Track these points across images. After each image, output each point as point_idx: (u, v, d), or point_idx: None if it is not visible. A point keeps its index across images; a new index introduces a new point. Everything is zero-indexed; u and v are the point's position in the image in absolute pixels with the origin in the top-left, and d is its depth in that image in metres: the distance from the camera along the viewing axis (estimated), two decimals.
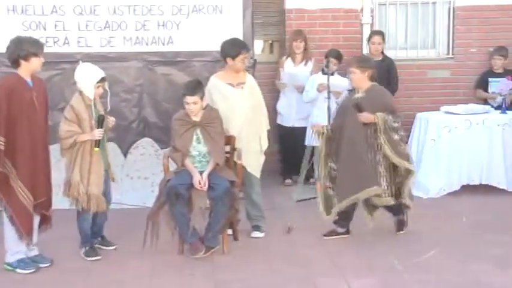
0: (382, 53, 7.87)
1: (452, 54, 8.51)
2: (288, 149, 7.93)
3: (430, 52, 8.60)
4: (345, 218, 5.98)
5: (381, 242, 5.90)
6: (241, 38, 6.95)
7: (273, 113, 8.14)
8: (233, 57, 5.90)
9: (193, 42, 7.00)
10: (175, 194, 5.43)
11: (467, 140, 7.37)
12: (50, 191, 5.34)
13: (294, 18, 8.25)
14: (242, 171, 5.82)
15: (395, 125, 5.67)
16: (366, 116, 5.66)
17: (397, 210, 6.01)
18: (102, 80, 5.50)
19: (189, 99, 5.59)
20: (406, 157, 5.77)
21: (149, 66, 7.02)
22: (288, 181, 7.98)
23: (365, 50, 8.20)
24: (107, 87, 5.60)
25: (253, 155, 6.00)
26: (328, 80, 7.05)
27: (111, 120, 5.64)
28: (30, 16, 6.74)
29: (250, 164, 5.95)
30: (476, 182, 7.39)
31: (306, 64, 7.81)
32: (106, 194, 5.58)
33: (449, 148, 7.35)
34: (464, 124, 7.40)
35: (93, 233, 5.69)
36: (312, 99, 7.46)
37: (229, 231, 5.81)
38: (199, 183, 5.52)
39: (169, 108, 6.97)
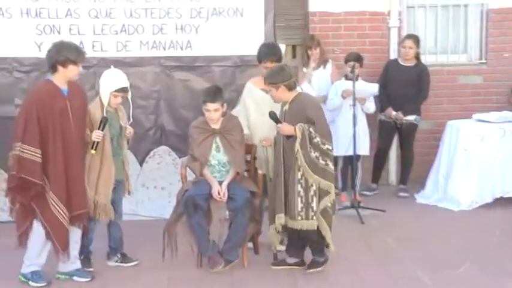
0: (417, 58, 7.86)
1: (485, 59, 8.50)
2: None
3: (461, 57, 8.59)
4: (292, 245, 5.62)
5: (408, 253, 5.91)
6: (262, 41, 7.01)
7: None
8: (259, 62, 5.97)
9: (213, 46, 7.07)
10: (194, 205, 5.47)
11: (501, 149, 7.35)
12: (87, 203, 5.36)
13: (317, 22, 8.27)
14: (263, 181, 5.85)
15: (315, 140, 5.25)
16: (284, 128, 5.37)
17: (316, 243, 5.50)
18: (123, 90, 5.50)
19: (210, 106, 5.64)
20: (324, 175, 5.30)
21: (167, 72, 7.10)
22: None
23: (392, 55, 8.21)
24: (129, 98, 5.63)
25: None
26: (354, 85, 7.07)
27: (128, 131, 5.65)
28: (44, 19, 6.86)
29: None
30: (511, 195, 7.36)
31: (324, 67, 7.83)
32: (115, 205, 5.59)
33: (481, 158, 7.33)
34: (497, 133, 7.37)
35: (112, 249, 5.75)
36: (336, 107, 7.48)
37: (250, 245, 5.84)
38: (219, 194, 5.56)
39: (187, 115, 7.04)
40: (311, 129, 5.26)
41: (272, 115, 5.45)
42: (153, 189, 7.10)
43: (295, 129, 5.27)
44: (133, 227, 6.28)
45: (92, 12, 6.93)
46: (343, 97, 7.33)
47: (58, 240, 5.18)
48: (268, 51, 5.99)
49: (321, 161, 5.29)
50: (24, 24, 6.84)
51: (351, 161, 7.37)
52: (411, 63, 7.80)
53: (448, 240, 6.23)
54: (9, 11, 6.82)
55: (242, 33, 7.05)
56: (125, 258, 5.76)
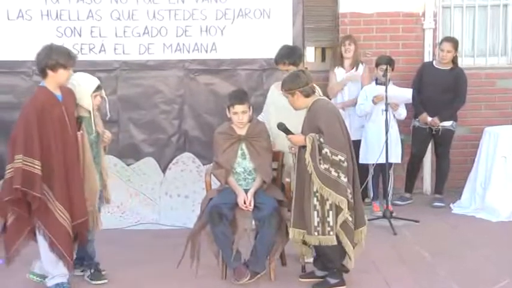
0: (454, 62, 7.81)
1: None
2: None
3: (501, 60, 8.54)
4: (319, 258, 5.55)
5: (443, 266, 5.86)
6: (290, 44, 7.01)
7: None
8: (276, 64, 6.01)
9: (239, 49, 7.09)
10: (218, 214, 5.48)
11: None
12: (87, 210, 5.39)
13: (348, 23, 8.28)
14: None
15: (324, 151, 5.11)
16: (294, 139, 5.32)
17: (331, 262, 5.41)
18: (99, 88, 5.48)
19: (238, 108, 5.65)
20: (337, 188, 5.14)
21: (191, 75, 7.13)
22: None
23: (427, 58, 8.19)
24: (104, 95, 5.60)
25: None
26: (386, 90, 7.05)
27: (106, 136, 5.61)
28: (65, 21, 6.93)
29: None
30: None
31: (356, 69, 7.83)
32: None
33: None
34: None
35: (80, 260, 5.67)
36: (366, 113, 7.46)
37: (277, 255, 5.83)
38: (244, 203, 5.57)
39: (211, 121, 7.06)
40: (321, 139, 5.14)
41: (281, 126, 5.41)
42: (176, 197, 7.13)
43: (305, 139, 5.20)
44: (157, 236, 6.31)
45: (114, 14, 6.99)
46: (374, 102, 7.30)
47: (65, 248, 5.19)
48: (283, 53, 6.02)
49: (333, 173, 5.14)
50: (44, 27, 6.92)
51: (382, 169, 7.34)
52: (447, 66, 7.76)
53: (486, 253, 6.17)
54: (29, 13, 6.90)
55: (269, 35, 7.05)
56: (95, 274, 5.63)
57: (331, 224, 5.19)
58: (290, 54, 6.00)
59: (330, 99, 7.91)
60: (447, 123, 7.75)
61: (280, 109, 5.88)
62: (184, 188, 7.13)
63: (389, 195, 7.35)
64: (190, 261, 5.63)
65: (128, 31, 7.02)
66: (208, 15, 7.05)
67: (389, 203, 7.25)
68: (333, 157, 5.13)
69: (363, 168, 7.49)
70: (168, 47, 7.05)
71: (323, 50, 8.74)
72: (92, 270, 5.63)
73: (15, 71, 6.84)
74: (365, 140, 7.51)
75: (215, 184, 5.93)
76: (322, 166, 5.13)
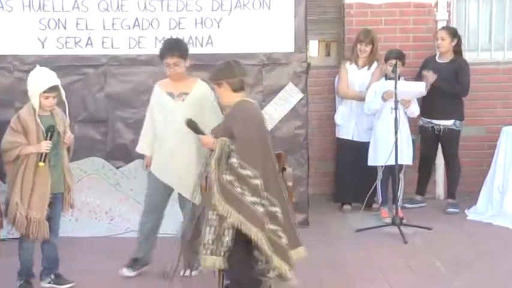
0: (456, 53, 7.82)
1: None
2: (347, 168, 7.92)
3: None
4: None
5: (458, 277, 5.85)
6: (292, 37, 7.05)
7: (329, 124, 8.17)
8: (161, 59, 5.93)
9: (236, 43, 7.07)
10: None
11: None
12: None
13: (354, 15, 8.27)
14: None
15: (232, 160, 4.81)
16: (204, 141, 5.15)
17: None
18: (53, 89, 5.46)
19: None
20: (240, 208, 4.79)
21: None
22: (347, 207, 7.98)
23: None
24: (63, 97, 5.58)
25: (193, 177, 5.65)
26: (395, 87, 7.04)
27: (67, 137, 5.60)
28: (48, 13, 6.92)
29: (187, 189, 5.70)
30: None
31: (369, 67, 7.83)
32: (52, 221, 5.60)
33: None
34: None
35: (45, 269, 5.75)
36: (375, 111, 7.46)
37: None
38: None
39: None
40: (232, 147, 4.86)
41: (190, 124, 5.30)
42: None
43: (215, 143, 4.97)
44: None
45: (101, 4, 6.98)
46: (384, 99, 7.30)
47: None
48: (171, 45, 5.91)
49: (238, 189, 4.79)
50: (26, 19, 6.91)
51: (391, 172, 7.33)
52: (447, 58, 7.78)
53: (503, 263, 6.16)
54: (10, 3, 6.88)
55: (269, 27, 7.05)
56: (59, 279, 5.76)
57: (226, 244, 4.90)
58: (178, 46, 5.91)
59: (341, 98, 7.96)
60: (449, 122, 7.74)
61: (164, 110, 5.86)
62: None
63: (400, 200, 7.34)
64: (183, 272, 5.61)
65: (116, 23, 7.01)
66: (203, 6, 7.04)
67: (399, 208, 7.23)
68: (240, 170, 4.81)
69: (372, 171, 7.50)
70: (161, 41, 7.00)
71: (327, 43, 8.74)
72: (52, 276, 5.72)
73: None
74: (374, 141, 7.50)
75: None
76: (227, 177, 4.83)
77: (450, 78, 7.67)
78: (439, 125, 7.75)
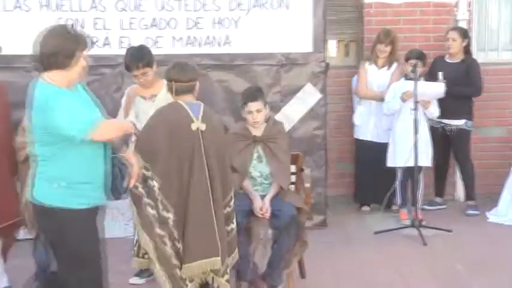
0: (466, 53, 7.78)
1: None
2: (365, 169, 7.90)
3: None
4: None
5: (479, 280, 5.81)
6: (311, 37, 7.04)
7: (348, 125, 8.14)
8: (128, 71, 6.01)
9: (254, 42, 7.07)
10: None
11: None
12: (17, 213, 5.36)
13: (374, 14, 8.24)
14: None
15: (144, 172, 4.67)
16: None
17: None
18: None
19: (251, 106, 5.64)
20: (139, 206, 4.75)
21: (202, 71, 7.11)
22: (366, 208, 7.95)
23: None
24: None
25: None
26: (415, 87, 7.00)
27: None
28: (66, 13, 6.93)
29: None
30: None
31: (389, 67, 7.79)
32: None
33: None
34: None
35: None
36: (394, 111, 7.42)
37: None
38: (261, 210, 5.55)
39: (225, 121, 7.02)
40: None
41: None
42: None
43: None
44: None
45: (119, 4, 6.99)
46: (403, 100, 7.26)
47: None
48: (134, 55, 5.88)
49: (140, 189, 4.71)
50: (43, 18, 6.90)
51: (410, 174, 7.29)
52: (457, 58, 7.74)
53: None
54: (28, 3, 6.91)
55: (288, 27, 7.04)
56: None
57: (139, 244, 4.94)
58: (141, 55, 5.88)
59: (360, 98, 7.93)
60: (460, 122, 7.69)
61: (138, 112, 5.89)
62: None
63: (419, 202, 7.29)
64: None
65: (134, 23, 7.02)
66: (221, 6, 7.03)
67: (419, 210, 7.19)
68: (143, 171, 4.69)
69: (391, 172, 7.46)
70: (178, 40, 7.05)
71: (346, 43, 8.71)
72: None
73: (12, 66, 6.84)
74: (393, 141, 7.46)
75: None
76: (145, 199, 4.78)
77: (461, 78, 7.64)
78: (450, 125, 7.70)
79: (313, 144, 7.19)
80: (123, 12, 6.99)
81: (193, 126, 4.76)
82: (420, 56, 7.42)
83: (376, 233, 7.12)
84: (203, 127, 4.77)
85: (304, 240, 5.68)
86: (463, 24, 8.15)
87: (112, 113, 6.95)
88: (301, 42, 7.08)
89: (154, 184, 4.72)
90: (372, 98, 7.79)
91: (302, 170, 5.95)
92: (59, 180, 4.10)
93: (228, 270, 4.90)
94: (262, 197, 5.63)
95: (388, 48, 7.73)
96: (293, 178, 5.95)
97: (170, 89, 4.93)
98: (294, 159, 5.92)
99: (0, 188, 5.26)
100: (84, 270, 4.19)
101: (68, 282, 4.23)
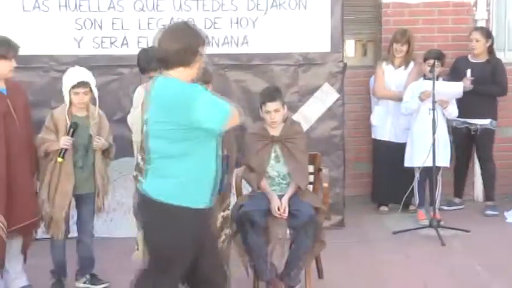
0: (490, 52, 7.76)
1: None
2: (383, 169, 7.88)
3: None
4: None
5: (498, 281, 5.79)
6: (328, 37, 7.03)
7: (365, 125, 8.12)
8: (142, 73, 5.99)
9: (272, 42, 7.07)
10: (250, 221, 5.45)
11: None
12: (36, 212, 5.44)
13: (391, 14, 8.22)
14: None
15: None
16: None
17: None
18: (81, 85, 5.53)
19: (270, 106, 5.64)
20: None
21: (220, 71, 7.12)
22: (384, 208, 7.93)
23: None
24: (95, 95, 5.66)
25: None
26: (433, 87, 6.98)
27: (95, 143, 5.61)
28: (84, 13, 6.96)
29: None
30: None
31: (406, 67, 7.78)
32: (82, 221, 5.69)
33: None
34: None
35: (80, 269, 5.83)
36: (412, 111, 7.40)
37: None
38: (278, 210, 5.54)
39: (243, 121, 7.04)
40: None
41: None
42: None
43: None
44: None
45: (137, 4, 7.01)
46: (422, 99, 7.24)
47: None
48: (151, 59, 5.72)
49: None
50: (62, 19, 6.96)
51: (428, 174, 7.26)
52: (482, 58, 7.71)
53: None
54: (46, 3, 6.94)
55: (305, 27, 7.03)
56: (94, 279, 5.82)
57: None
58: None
59: (378, 99, 7.91)
60: (485, 121, 7.67)
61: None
62: None
63: (437, 202, 7.27)
64: None
65: (152, 23, 7.03)
66: (239, 6, 7.04)
67: (437, 210, 7.17)
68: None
69: (409, 172, 7.44)
70: None
71: (364, 43, 8.70)
72: (88, 276, 5.79)
73: (31, 66, 6.86)
74: (411, 142, 7.44)
75: (246, 189, 5.92)
76: None
77: (487, 78, 7.63)
78: (476, 125, 7.67)
79: (331, 144, 7.18)
80: (141, 12, 7.01)
81: None
82: (438, 56, 7.39)
83: (394, 233, 7.10)
84: None
85: (322, 240, 5.67)
86: (481, 24, 8.13)
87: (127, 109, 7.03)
88: (319, 42, 7.08)
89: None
90: (389, 98, 7.77)
91: (320, 170, 5.94)
92: (179, 178, 4.07)
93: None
94: (280, 197, 5.62)
95: (405, 48, 7.71)
96: (311, 178, 5.95)
97: None
98: (312, 159, 5.92)
99: (21, 187, 5.29)
100: (168, 271, 4.15)
101: (148, 277, 4.22)
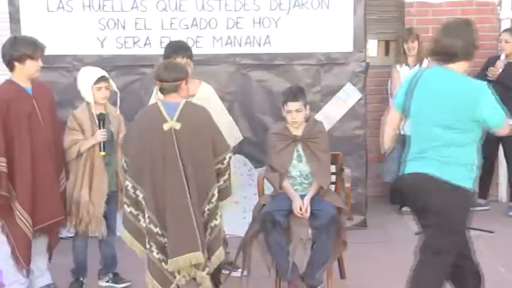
0: None
1: None
2: None
3: None
4: None
5: None
6: (351, 36, 7.01)
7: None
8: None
9: (294, 42, 7.06)
10: (272, 221, 5.45)
11: None
12: (61, 211, 5.48)
13: (415, 14, 8.19)
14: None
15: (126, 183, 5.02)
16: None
17: None
18: (102, 79, 5.61)
19: (291, 105, 5.64)
20: (132, 229, 5.05)
21: (242, 71, 7.13)
22: (406, 209, 7.88)
23: None
24: (114, 88, 5.75)
25: None
26: None
27: (120, 139, 5.67)
28: (107, 13, 6.99)
29: None
30: None
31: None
32: (107, 220, 5.70)
33: None
34: None
35: (103, 268, 5.90)
36: None
37: None
38: (300, 210, 5.54)
39: (265, 120, 7.05)
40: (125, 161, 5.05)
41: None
42: None
43: None
44: None
45: (160, 4, 7.03)
46: None
47: (21, 253, 5.28)
48: (175, 49, 5.88)
49: (127, 207, 4.98)
50: (85, 19, 6.99)
51: None
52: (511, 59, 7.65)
53: None
54: (70, 3, 6.98)
55: (328, 27, 7.02)
56: (116, 278, 5.89)
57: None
58: (185, 47, 5.91)
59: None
60: None
61: None
62: (234, 193, 7.10)
63: None
64: (241, 272, 5.62)
65: (175, 23, 7.05)
66: (261, 6, 7.03)
67: None
68: (128, 189, 4.97)
69: None
70: (218, 40, 7.06)
71: (386, 42, 8.67)
72: (111, 275, 5.87)
73: (54, 66, 6.90)
74: None
75: (268, 189, 5.92)
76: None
77: None
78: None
79: (353, 144, 7.16)
80: (164, 12, 7.03)
81: (166, 127, 4.87)
82: None
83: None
84: (177, 126, 4.85)
85: (344, 240, 5.65)
86: (506, 24, 8.07)
87: None
88: (341, 41, 7.06)
89: (128, 184, 4.94)
90: None
91: (342, 169, 5.93)
92: (470, 165, 4.51)
93: (209, 264, 4.99)
94: (302, 196, 5.62)
95: (416, 44, 7.69)
96: (333, 178, 5.94)
97: (163, 88, 5.00)
98: (334, 159, 5.91)
99: (47, 187, 5.33)
100: (457, 235, 4.58)
101: (440, 245, 4.58)
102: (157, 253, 4.90)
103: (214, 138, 5.01)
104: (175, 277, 4.93)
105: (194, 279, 5.00)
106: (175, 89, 4.93)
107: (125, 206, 4.99)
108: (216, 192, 5.03)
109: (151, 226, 4.87)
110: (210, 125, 5.02)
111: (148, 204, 4.87)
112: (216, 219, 5.04)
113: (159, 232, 4.87)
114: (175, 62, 5.29)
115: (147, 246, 4.92)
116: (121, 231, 5.11)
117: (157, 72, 4.98)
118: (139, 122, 5.02)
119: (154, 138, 4.87)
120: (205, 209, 4.98)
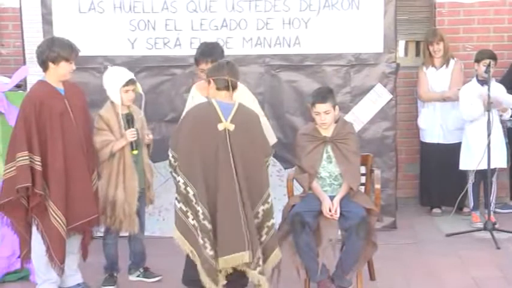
0: None
1: None
2: (433, 171, 7.79)
3: None
4: None
5: None
6: (381, 37, 6.98)
7: (417, 126, 8.03)
8: (196, 65, 6.05)
9: (324, 43, 7.05)
10: (301, 222, 5.44)
11: None
12: (95, 210, 5.50)
13: (446, 14, 8.13)
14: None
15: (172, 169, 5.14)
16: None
17: None
18: (131, 82, 5.67)
19: (319, 107, 5.62)
20: (180, 224, 5.16)
21: (272, 72, 7.13)
22: (436, 210, 7.84)
23: None
24: (140, 91, 5.80)
25: None
26: (489, 88, 6.87)
27: (147, 139, 5.78)
28: (138, 14, 7.03)
29: None
30: None
31: (447, 66, 7.70)
32: (139, 216, 5.77)
33: None
34: None
35: (132, 263, 5.97)
36: (479, 117, 7.12)
37: None
38: (330, 211, 5.52)
39: (294, 121, 7.05)
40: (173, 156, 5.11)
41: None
42: None
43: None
44: None
45: (190, 5, 7.05)
46: (492, 107, 6.95)
47: (56, 252, 5.33)
48: (204, 51, 5.96)
49: (177, 203, 5.10)
50: (116, 20, 7.04)
51: (483, 176, 7.15)
52: None
53: None
54: (101, 5, 7.02)
55: (358, 28, 6.99)
56: (147, 272, 5.96)
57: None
58: (212, 52, 5.95)
59: (424, 102, 7.83)
60: None
61: None
62: None
63: (492, 204, 7.15)
64: (271, 273, 5.61)
65: (205, 24, 7.07)
66: (291, 7, 7.03)
67: (492, 213, 7.06)
68: (178, 184, 5.07)
69: (461, 174, 7.34)
70: (248, 41, 7.07)
71: (417, 43, 8.62)
72: (141, 270, 5.95)
73: (85, 67, 6.92)
74: (466, 144, 7.31)
75: (298, 190, 5.91)
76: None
77: None
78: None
79: (383, 146, 7.13)
80: (194, 13, 7.05)
81: (220, 127, 4.98)
82: (493, 56, 7.27)
83: (447, 235, 7.01)
84: (231, 127, 4.98)
85: (374, 242, 5.62)
86: None
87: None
88: (371, 42, 7.03)
89: (180, 180, 5.04)
90: (436, 100, 7.69)
91: (372, 171, 5.90)
92: None
93: (261, 262, 5.06)
94: (332, 197, 5.60)
95: (441, 45, 7.64)
96: (363, 179, 5.91)
97: (223, 85, 5.10)
98: (364, 160, 5.88)
99: (79, 186, 5.38)
100: None
101: None
102: (211, 249, 4.96)
103: (261, 141, 5.15)
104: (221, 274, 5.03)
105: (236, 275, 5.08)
106: (227, 87, 5.09)
107: (175, 201, 5.08)
108: (270, 192, 5.14)
109: (206, 222, 4.96)
110: (260, 128, 5.17)
111: (202, 201, 4.95)
112: (273, 218, 5.18)
113: (212, 229, 4.96)
114: (228, 61, 5.37)
115: (201, 242, 4.97)
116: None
117: (227, 69, 5.15)
118: (191, 119, 5.11)
119: (208, 137, 4.99)
120: (260, 210, 5.12)
